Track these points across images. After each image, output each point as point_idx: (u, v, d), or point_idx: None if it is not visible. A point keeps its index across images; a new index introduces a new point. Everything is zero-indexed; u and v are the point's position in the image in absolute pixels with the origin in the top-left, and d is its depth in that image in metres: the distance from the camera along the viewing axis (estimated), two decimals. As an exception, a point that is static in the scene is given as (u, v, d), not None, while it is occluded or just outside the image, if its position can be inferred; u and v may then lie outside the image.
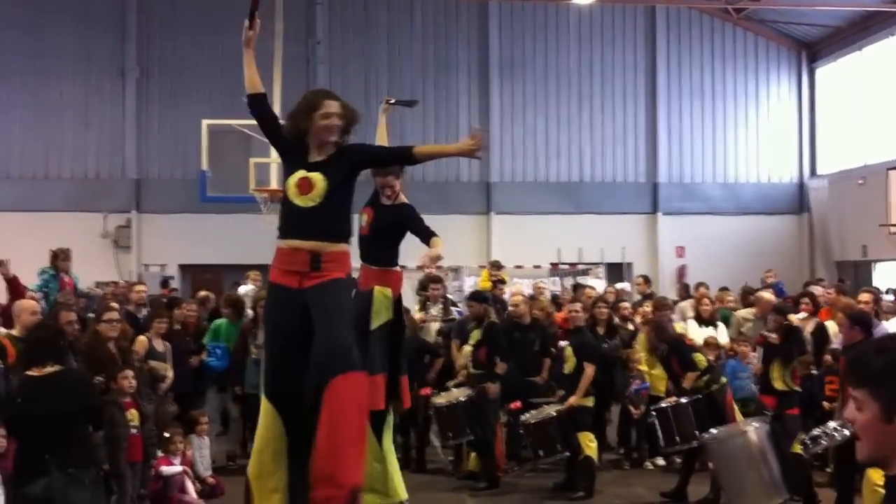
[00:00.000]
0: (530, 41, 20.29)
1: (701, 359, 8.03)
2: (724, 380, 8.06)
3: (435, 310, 10.56)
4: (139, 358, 8.08)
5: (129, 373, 7.01)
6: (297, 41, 18.47)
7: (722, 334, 9.92)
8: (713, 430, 7.47)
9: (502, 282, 12.13)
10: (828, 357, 8.68)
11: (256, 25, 4.93)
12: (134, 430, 6.91)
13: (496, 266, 13.46)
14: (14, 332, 6.92)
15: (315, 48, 19.44)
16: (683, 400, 7.97)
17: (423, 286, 11.45)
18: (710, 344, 9.33)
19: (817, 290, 10.73)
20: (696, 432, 7.87)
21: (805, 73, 21.07)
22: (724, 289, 12.17)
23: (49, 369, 5.18)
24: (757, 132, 20.94)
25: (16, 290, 8.22)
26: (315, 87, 18.91)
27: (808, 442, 6.25)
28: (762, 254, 19.24)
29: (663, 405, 8.16)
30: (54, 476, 4.97)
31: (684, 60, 20.73)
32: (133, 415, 6.92)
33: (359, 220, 5.89)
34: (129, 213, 19.09)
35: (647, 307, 9.92)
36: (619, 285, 14.00)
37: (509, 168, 20.10)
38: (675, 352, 7.94)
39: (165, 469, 7.58)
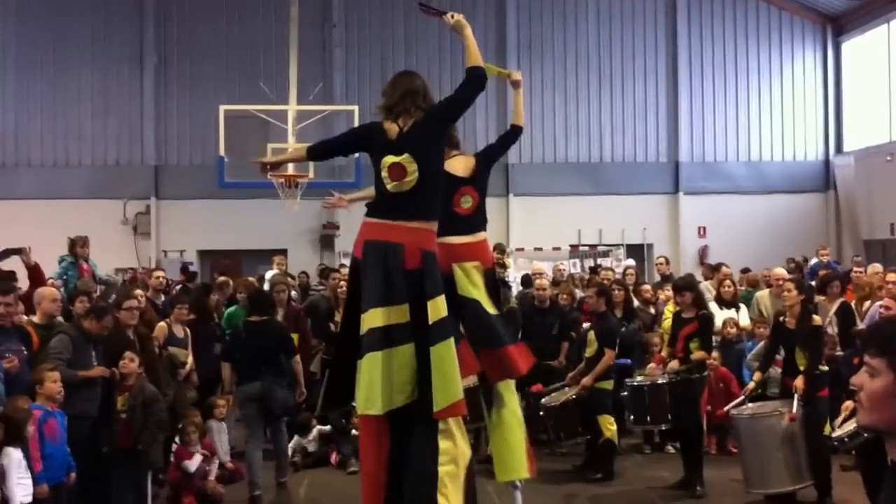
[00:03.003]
0: (548, 20, 20.10)
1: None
2: (706, 373, 7.96)
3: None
4: (159, 344, 8.12)
5: (131, 354, 7.00)
6: (313, 25, 18.41)
7: (743, 316, 9.80)
8: (746, 407, 7.39)
9: (503, 265, 12.02)
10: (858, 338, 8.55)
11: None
12: (123, 416, 6.92)
13: (499, 249, 13.34)
14: (35, 318, 6.95)
15: (331, 32, 19.35)
16: (661, 381, 7.89)
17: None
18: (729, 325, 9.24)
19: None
20: (669, 416, 7.79)
21: (830, 47, 20.72)
22: (745, 270, 12.05)
23: (259, 318, 7.99)
24: (781, 109, 20.64)
25: (37, 277, 8.25)
26: (331, 72, 18.92)
27: (846, 439, 6.13)
28: (787, 233, 19.06)
29: (638, 382, 8.06)
30: (265, 380, 7.64)
31: (706, 36, 20.45)
32: (123, 399, 6.91)
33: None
34: (149, 200, 19.18)
35: (668, 289, 9.82)
36: (625, 263, 13.89)
37: (528, 149, 19.96)
38: (703, 323, 7.82)
39: (187, 464, 7.58)
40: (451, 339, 4.65)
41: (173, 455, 7.79)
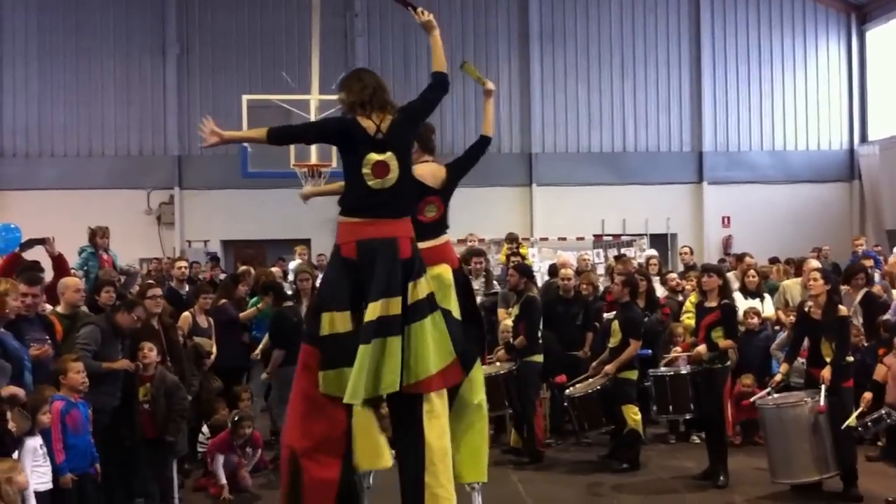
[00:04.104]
0: (571, 8, 19.97)
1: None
2: (729, 363, 7.90)
3: (477, 283, 10.49)
4: (183, 334, 8.16)
5: (150, 344, 7.03)
6: (335, 15, 18.40)
7: (768, 306, 9.73)
8: (772, 396, 7.34)
9: (517, 255, 11.99)
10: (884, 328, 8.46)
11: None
12: (145, 406, 6.96)
13: (512, 239, 13.33)
14: (59, 308, 7.00)
15: (353, 21, 19.33)
16: (683, 370, 7.86)
17: (465, 259, 11.39)
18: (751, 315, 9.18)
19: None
20: (691, 405, 7.79)
21: (855, 35, 20.47)
22: (774, 260, 11.96)
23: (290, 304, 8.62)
24: (805, 98, 20.43)
25: (62, 267, 8.29)
26: (353, 61, 18.88)
27: (870, 424, 6.08)
28: (811, 223, 18.90)
29: (661, 372, 8.06)
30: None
31: (729, 24, 20.25)
32: (145, 389, 6.96)
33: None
34: (172, 190, 19.26)
35: (693, 279, 9.76)
36: (648, 252, 13.84)
37: (551, 139, 19.88)
38: (727, 313, 7.77)
39: (219, 458, 7.62)
40: (427, 319, 4.78)
41: (208, 446, 7.84)
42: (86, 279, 9.35)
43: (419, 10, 5.13)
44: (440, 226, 5.49)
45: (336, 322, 4.71)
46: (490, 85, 5.91)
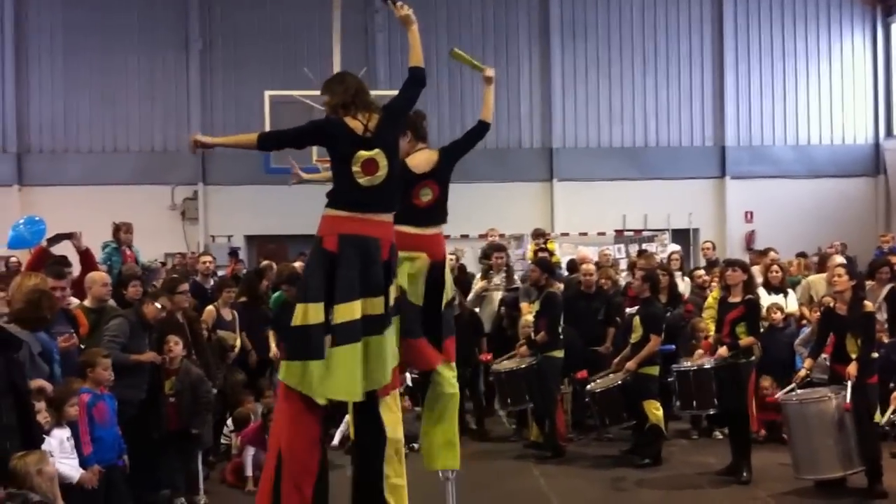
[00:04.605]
0: (592, 2, 19.86)
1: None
2: (753, 358, 7.86)
3: (498, 278, 10.52)
4: (207, 328, 8.24)
5: (175, 338, 7.11)
6: (355, 10, 18.43)
7: (791, 302, 9.68)
8: (796, 392, 7.32)
9: (544, 250, 12.00)
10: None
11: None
12: (171, 399, 7.03)
13: (539, 235, 13.36)
14: (86, 303, 7.09)
15: (374, 17, 19.35)
16: (707, 365, 7.83)
17: (485, 254, 11.42)
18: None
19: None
20: (715, 401, 7.76)
21: (881, 27, 20.20)
22: (801, 255, 11.89)
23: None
24: (830, 91, 20.23)
25: (88, 262, 8.38)
26: (374, 56, 18.92)
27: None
28: (835, 218, 18.72)
29: (684, 367, 8.02)
30: None
31: (752, 17, 20.07)
32: (170, 382, 7.03)
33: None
34: (196, 185, 19.36)
35: (717, 274, 9.72)
36: (671, 248, 13.79)
37: (572, 133, 19.81)
38: (750, 308, 7.73)
39: (250, 450, 7.69)
40: (394, 322, 5.04)
41: (241, 437, 7.91)
42: (109, 274, 9.43)
43: (398, 4, 5.20)
44: (435, 213, 5.55)
45: (309, 313, 4.79)
46: (489, 71, 5.98)
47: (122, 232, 10.56)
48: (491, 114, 5.88)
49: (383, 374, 4.90)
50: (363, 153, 4.86)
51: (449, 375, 5.62)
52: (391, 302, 5.00)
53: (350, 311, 4.77)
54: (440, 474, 5.71)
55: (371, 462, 5.05)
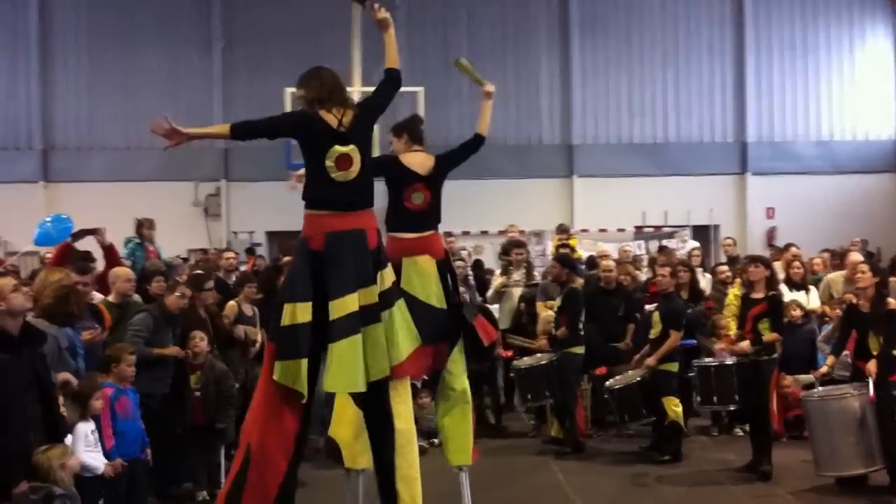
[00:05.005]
0: (611, -3, 19.82)
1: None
2: (776, 355, 7.83)
3: (517, 275, 10.53)
4: (229, 322, 8.31)
5: (201, 334, 7.19)
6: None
7: (813, 298, 9.63)
8: (817, 389, 7.29)
9: (567, 246, 11.99)
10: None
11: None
12: (196, 394, 7.10)
13: (562, 230, 13.37)
14: (110, 298, 7.18)
15: (394, 14, 19.25)
16: (729, 361, 7.81)
17: (505, 251, 11.43)
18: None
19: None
20: (736, 397, 7.73)
21: (904, 22, 20.06)
22: (826, 251, 11.81)
23: None
24: (853, 86, 20.03)
25: (112, 257, 8.49)
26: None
27: None
28: (858, 215, 18.55)
29: (706, 362, 8.01)
30: None
31: (774, 11, 19.91)
32: (196, 377, 7.10)
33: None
34: (219, 182, 19.49)
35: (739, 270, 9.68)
36: (691, 244, 13.74)
37: (592, 129, 19.75)
38: (774, 305, 7.71)
39: None
40: (395, 307, 5.00)
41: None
42: (133, 270, 9.53)
43: (375, 6, 5.27)
44: (428, 216, 5.60)
45: (297, 313, 4.82)
46: (489, 87, 6.00)
47: (144, 228, 10.66)
48: (487, 127, 5.94)
49: (385, 361, 4.90)
50: (338, 148, 4.88)
51: (460, 369, 5.68)
52: (387, 286, 4.99)
53: (346, 305, 4.80)
54: (454, 468, 5.76)
55: (382, 453, 5.07)
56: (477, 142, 5.86)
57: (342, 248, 4.85)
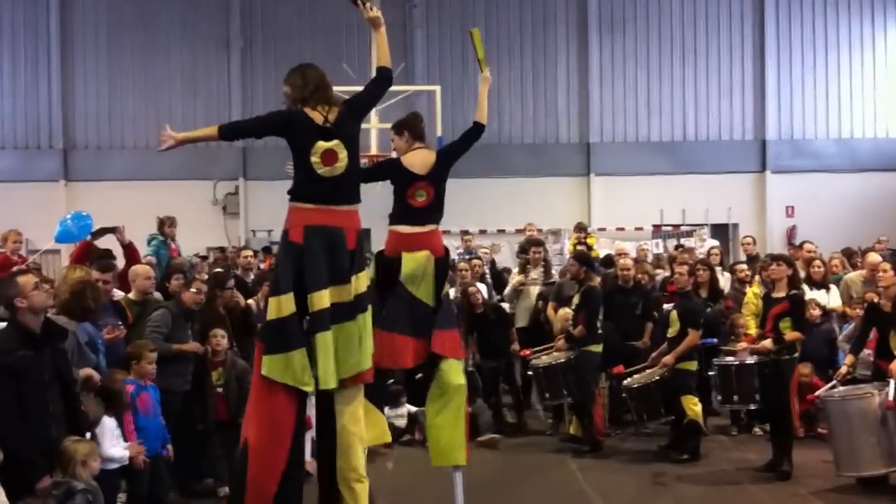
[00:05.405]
0: (630, -6, 19.74)
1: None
2: (797, 354, 7.78)
3: (535, 273, 10.53)
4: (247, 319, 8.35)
5: (222, 332, 7.25)
6: (394, 6, 18.45)
7: (834, 298, 9.56)
8: (837, 389, 7.24)
9: (584, 244, 11.97)
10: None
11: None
12: (219, 390, 7.15)
13: (581, 229, 13.36)
14: (130, 295, 7.24)
15: (412, 13, 19.39)
16: (749, 360, 7.76)
17: (523, 249, 11.44)
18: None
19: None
20: (756, 396, 7.69)
21: (925, 18, 19.86)
22: (846, 249, 11.73)
23: None
24: (873, 83, 19.86)
25: (132, 255, 8.56)
26: (413, 52, 18.98)
27: None
28: (878, 213, 18.40)
29: (726, 361, 7.96)
30: None
31: (794, 8, 19.77)
32: (218, 374, 7.16)
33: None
34: (237, 181, 19.59)
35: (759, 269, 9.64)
36: (710, 243, 13.69)
37: (610, 128, 19.70)
38: (796, 304, 7.66)
39: None
40: (367, 313, 5.05)
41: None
42: (157, 267, 9.61)
43: (367, 5, 5.29)
44: (431, 212, 5.69)
45: (282, 305, 4.88)
46: (487, 73, 6.06)
47: (166, 226, 10.75)
48: (485, 115, 5.95)
49: (356, 360, 4.95)
50: (322, 143, 4.93)
51: (454, 367, 5.69)
52: (363, 290, 5.04)
53: (320, 299, 4.86)
54: (449, 468, 5.75)
55: (324, 452, 5.13)
56: (476, 130, 5.89)
57: (318, 243, 4.91)
